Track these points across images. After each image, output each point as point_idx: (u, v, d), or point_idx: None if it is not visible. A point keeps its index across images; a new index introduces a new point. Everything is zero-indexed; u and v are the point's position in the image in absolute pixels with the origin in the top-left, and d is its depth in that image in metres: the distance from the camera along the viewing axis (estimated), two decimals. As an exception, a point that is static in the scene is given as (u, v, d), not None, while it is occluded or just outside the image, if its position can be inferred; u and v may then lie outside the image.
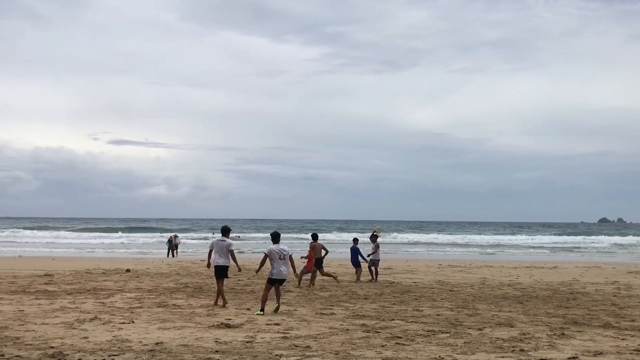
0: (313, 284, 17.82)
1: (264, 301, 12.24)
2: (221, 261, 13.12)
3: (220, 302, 13.31)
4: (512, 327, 11.05)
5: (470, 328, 10.85)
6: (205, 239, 60.51)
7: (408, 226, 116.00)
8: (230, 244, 13.25)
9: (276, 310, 12.35)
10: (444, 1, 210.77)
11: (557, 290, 17.61)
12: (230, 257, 13.18)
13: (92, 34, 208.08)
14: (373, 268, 20.05)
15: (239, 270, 14.08)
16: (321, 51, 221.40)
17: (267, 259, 12.47)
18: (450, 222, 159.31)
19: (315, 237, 18.88)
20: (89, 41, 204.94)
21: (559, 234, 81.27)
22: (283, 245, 12.65)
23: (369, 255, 20.18)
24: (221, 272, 13.17)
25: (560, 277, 22.12)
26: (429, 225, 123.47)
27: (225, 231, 13.40)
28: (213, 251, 13.31)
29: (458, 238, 69.15)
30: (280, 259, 12.34)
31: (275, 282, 12.40)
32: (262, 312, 12.05)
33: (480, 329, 10.71)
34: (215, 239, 13.73)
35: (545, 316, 12.46)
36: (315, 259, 18.08)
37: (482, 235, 75.43)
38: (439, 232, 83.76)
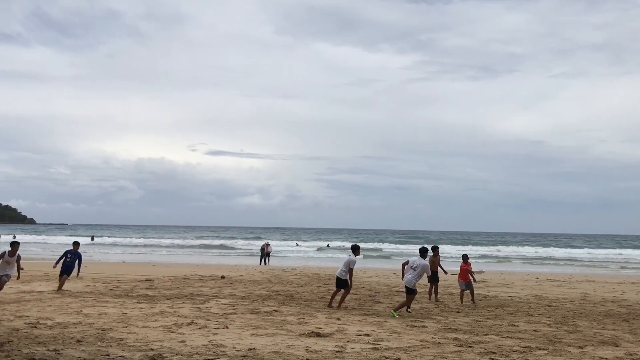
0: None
1: None
2: None
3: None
4: (617, 346, 10.41)
5: (570, 346, 10.32)
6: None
7: (505, 238, 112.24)
8: None
9: None
10: (543, 3, 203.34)
11: (668, 309, 16.43)
12: None
13: (190, 50, 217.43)
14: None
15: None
16: (414, 59, 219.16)
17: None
18: (554, 234, 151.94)
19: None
20: (187, 56, 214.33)
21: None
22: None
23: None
24: None
25: (672, 295, 20.63)
26: (528, 237, 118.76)
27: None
28: None
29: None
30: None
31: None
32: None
33: (581, 347, 10.16)
34: None
35: (655, 336, 11.65)
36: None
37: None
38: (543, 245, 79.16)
